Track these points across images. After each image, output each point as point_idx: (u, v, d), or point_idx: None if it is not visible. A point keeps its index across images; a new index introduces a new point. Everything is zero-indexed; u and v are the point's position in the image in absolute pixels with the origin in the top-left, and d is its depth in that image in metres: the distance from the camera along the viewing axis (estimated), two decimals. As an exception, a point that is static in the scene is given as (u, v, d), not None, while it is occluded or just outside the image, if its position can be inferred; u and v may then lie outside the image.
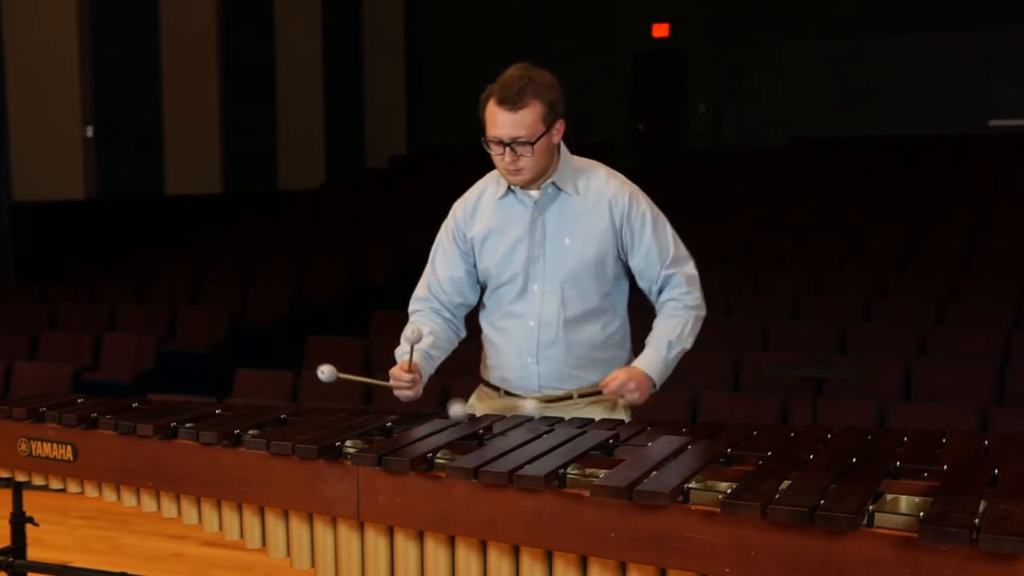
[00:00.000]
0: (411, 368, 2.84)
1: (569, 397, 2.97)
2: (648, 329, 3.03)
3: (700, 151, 13.99)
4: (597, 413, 2.93)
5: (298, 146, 13.31)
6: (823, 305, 7.77)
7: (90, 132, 10.58)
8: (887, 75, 13.40)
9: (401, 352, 2.91)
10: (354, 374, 3.01)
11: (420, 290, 3.10)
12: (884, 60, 13.43)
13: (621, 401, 2.88)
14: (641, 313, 3.09)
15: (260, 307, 9.26)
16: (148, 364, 8.08)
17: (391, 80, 15.16)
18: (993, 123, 13.13)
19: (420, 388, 2.87)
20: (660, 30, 14.73)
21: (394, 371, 2.88)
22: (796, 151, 12.76)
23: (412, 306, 3.11)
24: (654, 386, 2.90)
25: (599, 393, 2.93)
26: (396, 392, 2.87)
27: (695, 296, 2.98)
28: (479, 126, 2.90)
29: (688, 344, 2.95)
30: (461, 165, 13.75)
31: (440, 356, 3.03)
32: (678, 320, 2.93)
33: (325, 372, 2.89)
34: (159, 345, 8.28)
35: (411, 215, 11.66)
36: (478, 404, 3.08)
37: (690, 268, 3.00)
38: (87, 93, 10.54)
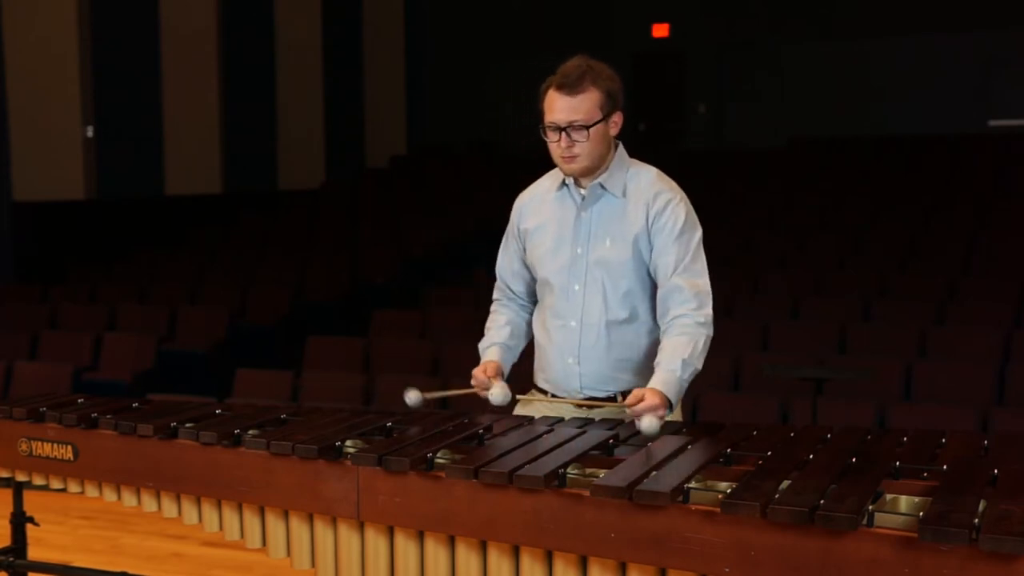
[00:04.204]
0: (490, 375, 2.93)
1: (613, 399, 2.93)
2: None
3: (700, 151, 13.98)
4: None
5: (298, 146, 13.32)
6: (823, 305, 7.76)
7: (90, 132, 10.58)
8: (887, 75, 13.41)
9: (483, 348, 3.05)
10: (437, 391, 3.03)
11: (497, 280, 3.20)
12: (884, 60, 13.43)
13: (640, 424, 2.62)
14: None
15: (260, 307, 9.26)
16: (148, 364, 8.07)
17: (391, 80, 15.16)
18: (993, 123, 13.13)
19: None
20: (660, 30, 14.74)
21: (476, 372, 2.95)
22: (796, 151, 12.77)
23: (494, 295, 3.22)
24: (670, 408, 2.74)
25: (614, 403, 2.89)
26: (479, 392, 2.94)
27: (705, 313, 2.83)
28: (530, 122, 2.93)
29: (699, 364, 2.80)
30: (461, 165, 13.77)
31: (519, 344, 3.12)
32: (690, 338, 2.78)
33: (412, 397, 2.89)
34: (159, 345, 8.28)
35: (411, 215, 11.65)
36: (527, 408, 3.05)
37: (703, 283, 2.87)
38: (87, 93, 10.55)
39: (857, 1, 13.53)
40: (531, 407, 3.05)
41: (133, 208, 11.17)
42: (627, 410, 2.71)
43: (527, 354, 3.17)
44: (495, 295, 3.21)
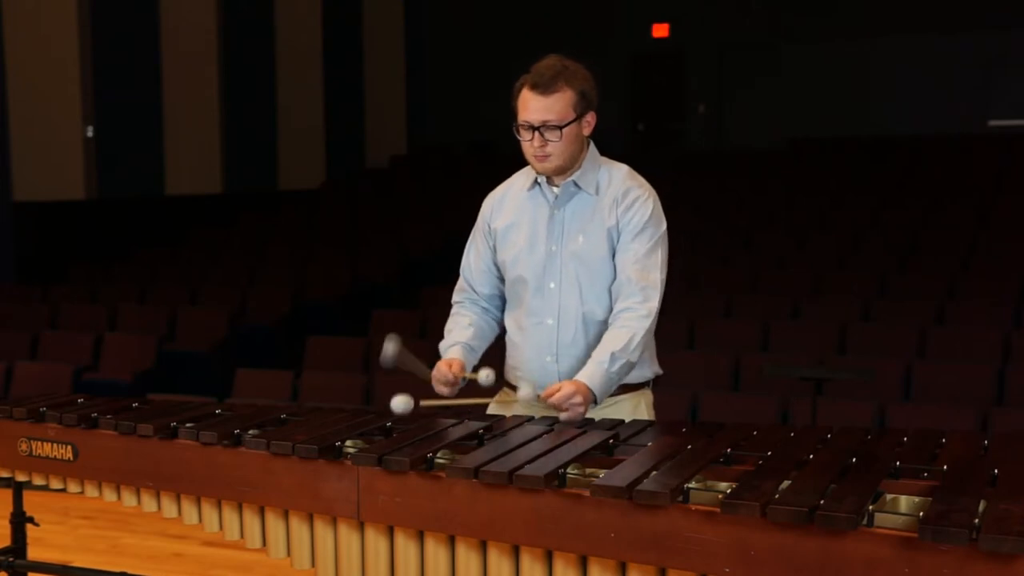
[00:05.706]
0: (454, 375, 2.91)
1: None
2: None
3: (700, 151, 13.99)
4: (621, 413, 2.91)
5: (298, 146, 13.32)
6: (823, 305, 7.76)
7: (90, 132, 10.59)
8: (887, 75, 13.41)
9: (445, 348, 3.01)
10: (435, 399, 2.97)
11: (459, 282, 3.16)
12: (884, 60, 13.44)
13: (563, 415, 2.74)
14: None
15: (260, 307, 9.26)
16: (148, 364, 8.07)
17: (391, 80, 15.17)
18: (993, 123, 13.14)
19: (456, 389, 2.93)
20: (660, 30, 14.74)
21: (440, 365, 2.93)
22: (796, 151, 12.77)
23: (454, 297, 3.18)
24: (595, 401, 2.78)
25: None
26: (435, 386, 2.92)
27: (649, 306, 2.84)
28: (510, 119, 2.90)
29: (634, 357, 2.82)
30: (461, 165, 13.77)
31: (482, 345, 3.09)
32: (627, 331, 2.81)
33: (399, 403, 2.80)
34: (159, 345, 8.28)
35: (411, 215, 11.65)
36: (501, 407, 3.05)
37: (654, 277, 2.87)
38: (87, 93, 10.55)
39: (857, 1, 13.53)
40: (508, 407, 3.04)
41: (133, 208, 11.17)
42: (546, 402, 2.77)
43: (498, 349, 3.16)
44: (456, 297, 3.16)
